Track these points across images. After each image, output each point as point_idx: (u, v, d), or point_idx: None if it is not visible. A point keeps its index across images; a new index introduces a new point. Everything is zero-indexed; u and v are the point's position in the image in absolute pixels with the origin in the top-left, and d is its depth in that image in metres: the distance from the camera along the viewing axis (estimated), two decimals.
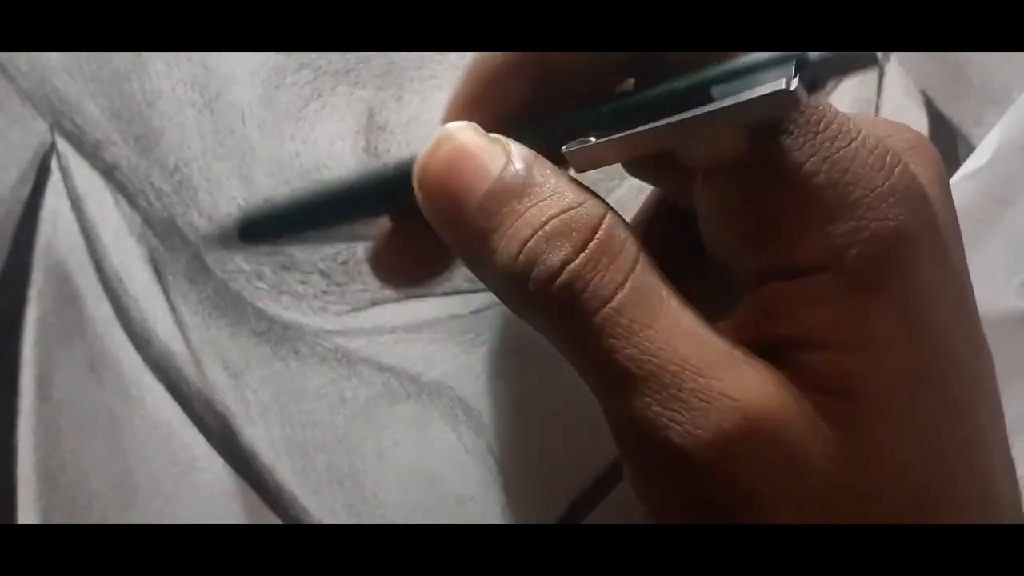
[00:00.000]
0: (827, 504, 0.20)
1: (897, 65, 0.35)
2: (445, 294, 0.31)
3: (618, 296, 0.20)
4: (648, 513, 0.22)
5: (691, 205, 0.23)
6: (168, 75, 0.32)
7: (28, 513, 0.29)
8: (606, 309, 0.20)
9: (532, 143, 0.22)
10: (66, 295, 0.31)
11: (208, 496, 0.30)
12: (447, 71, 0.32)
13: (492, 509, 0.30)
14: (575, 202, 0.21)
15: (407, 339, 0.31)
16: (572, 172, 0.23)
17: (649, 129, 0.20)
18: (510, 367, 0.31)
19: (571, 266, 0.20)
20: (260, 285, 0.31)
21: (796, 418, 0.20)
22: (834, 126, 0.20)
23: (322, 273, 0.31)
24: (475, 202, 0.22)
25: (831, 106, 0.21)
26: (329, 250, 0.31)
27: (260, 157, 0.31)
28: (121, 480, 0.30)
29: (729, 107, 0.19)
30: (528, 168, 0.22)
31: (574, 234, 0.21)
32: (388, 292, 0.31)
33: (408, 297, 0.31)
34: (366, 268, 0.31)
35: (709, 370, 0.20)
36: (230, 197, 0.31)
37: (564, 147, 0.22)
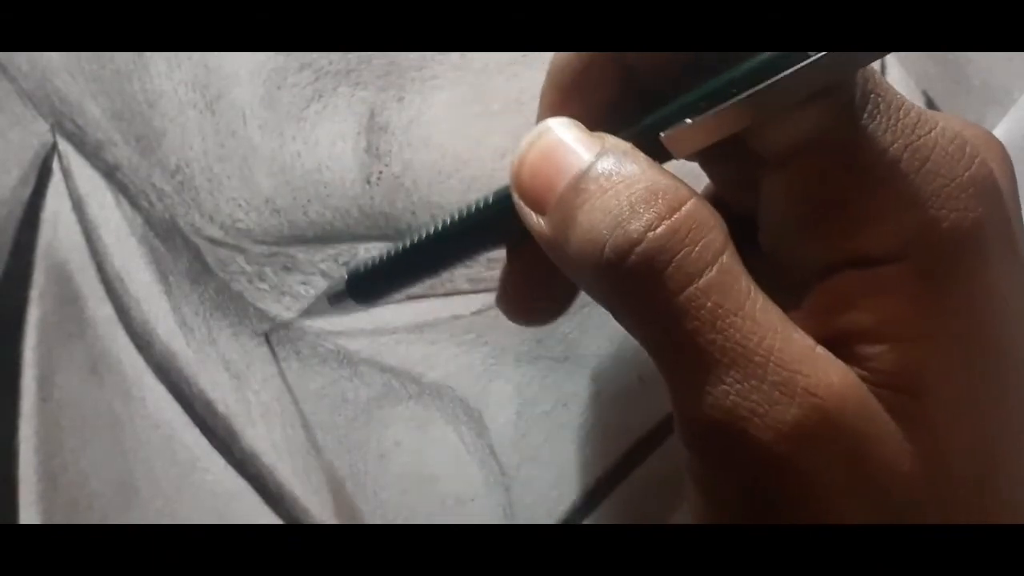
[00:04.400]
0: (890, 503, 0.20)
1: (897, 65, 0.35)
2: (446, 295, 0.31)
3: (705, 277, 0.20)
4: (705, 504, 0.21)
5: (743, 205, 0.23)
6: (169, 75, 0.32)
7: (29, 513, 0.29)
8: (691, 289, 0.19)
9: (630, 137, 0.22)
10: (67, 296, 0.31)
11: (209, 497, 0.30)
12: (448, 71, 0.32)
13: (493, 510, 0.30)
14: (664, 180, 0.21)
15: (408, 340, 0.31)
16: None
17: (749, 96, 0.20)
18: (510, 367, 0.31)
19: (653, 234, 0.20)
20: (262, 286, 0.31)
21: (871, 417, 0.19)
22: (913, 113, 0.20)
23: (323, 274, 0.31)
24: (565, 183, 0.21)
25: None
26: (330, 251, 0.31)
27: (261, 158, 0.31)
28: (122, 480, 0.30)
29: (827, 56, 0.19)
30: (622, 154, 0.21)
31: (659, 202, 0.20)
32: None
33: (409, 298, 0.31)
34: None
35: (794, 364, 0.19)
36: (231, 198, 0.31)
37: (662, 133, 0.22)
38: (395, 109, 0.32)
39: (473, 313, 0.31)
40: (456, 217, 0.25)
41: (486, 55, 0.32)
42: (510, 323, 0.31)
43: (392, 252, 0.26)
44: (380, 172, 0.32)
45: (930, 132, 0.20)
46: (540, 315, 0.27)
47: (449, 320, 0.31)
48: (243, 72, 0.32)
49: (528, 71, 0.32)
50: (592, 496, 0.31)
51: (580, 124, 0.22)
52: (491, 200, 0.24)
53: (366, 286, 0.27)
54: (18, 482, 0.29)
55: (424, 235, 0.25)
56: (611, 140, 0.22)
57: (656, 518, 0.30)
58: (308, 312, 0.30)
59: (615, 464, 0.31)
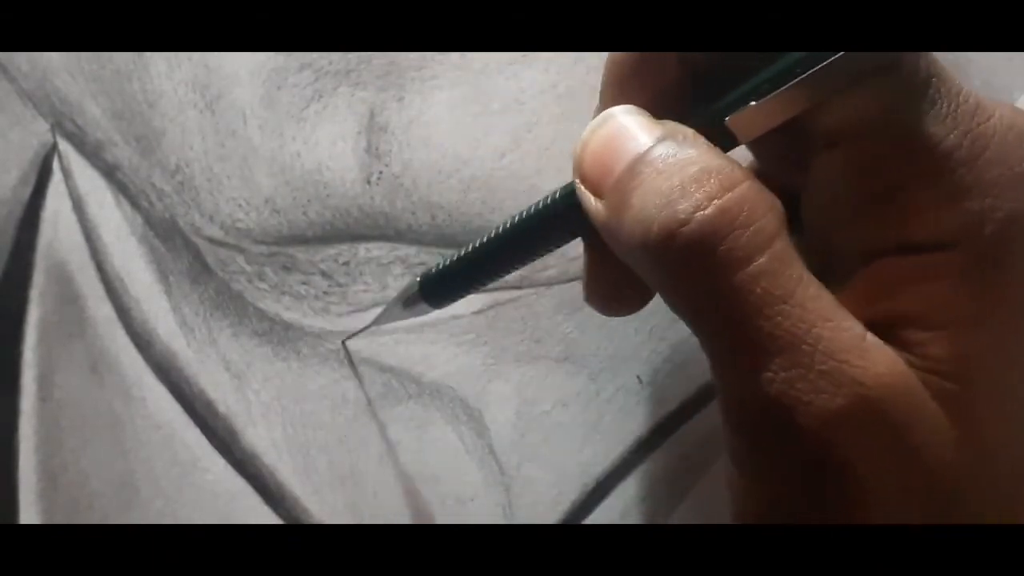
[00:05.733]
0: (937, 492, 0.20)
1: None
2: None
3: (756, 263, 0.19)
4: (747, 488, 0.21)
5: (788, 183, 0.23)
6: (169, 75, 0.32)
7: (29, 513, 0.29)
8: (741, 274, 0.19)
9: (693, 124, 0.22)
10: (67, 296, 0.31)
11: (209, 497, 0.30)
12: (448, 71, 0.32)
13: (493, 509, 0.30)
14: (719, 162, 0.20)
15: (408, 340, 0.31)
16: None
17: (812, 74, 0.20)
18: (510, 367, 0.31)
19: (702, 214, 0.20)
20: (261, 286, 0.31)
21: (918, 407, 0.19)
22: (972, 100, 0.20)
23: (323, 274, 0.31)
24: (623, 166, 0.21)
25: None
26: (330, 251, 0.31)
27: (261, 158, 0.31)
28: (122, 480, 0.30)
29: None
30: (683, 139, 0.21)
31: (711, 182, 0.20)
32: (388, 292, 0.31)
33: None
34: (367, 268, 0.31)
35: (841, 353, 0.19)
36: (231, 198, 0.31)
37: (727, 117, 0.21)
38: (395, 109, 0.32)
39: (473, 313, 0.31)
40: (529, 212, 0.25)
41: (486, 55, 0.32)
42: (509, 323, 0.31)
43: (465, 252, 0.26)
44: (380, 172, 0.32)
45: (989, 120, 0.20)
46: (626, 304, 0.27)
47: (448, 320, 0.31)
48: (243, 72, 0.32)
49: (528, 71, 0.32)
50: (591, 496, 0.31)
51: (643, 111, 0.22)
52: (560, 194, 0.24)
53: (439, 288, 0.27)
54: (18, 482, 0.29)
55: (496, 232, 0.25)
56: (671, 125, 0.22)
57: (656, 518, 0.30)
58: (381, 318, 0.30)
59: (614, 464, 0.31)
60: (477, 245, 0.26)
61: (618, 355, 0.31)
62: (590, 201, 0.22)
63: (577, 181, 0.23)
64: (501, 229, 0.25)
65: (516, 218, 0.25)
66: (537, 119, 0.32)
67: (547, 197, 0.25)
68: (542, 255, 0.26)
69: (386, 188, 0.32)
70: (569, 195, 0.24)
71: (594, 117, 0.24)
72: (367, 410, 0.31)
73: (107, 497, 0.30)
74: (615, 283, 0.26)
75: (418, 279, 0.27)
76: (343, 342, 0.31)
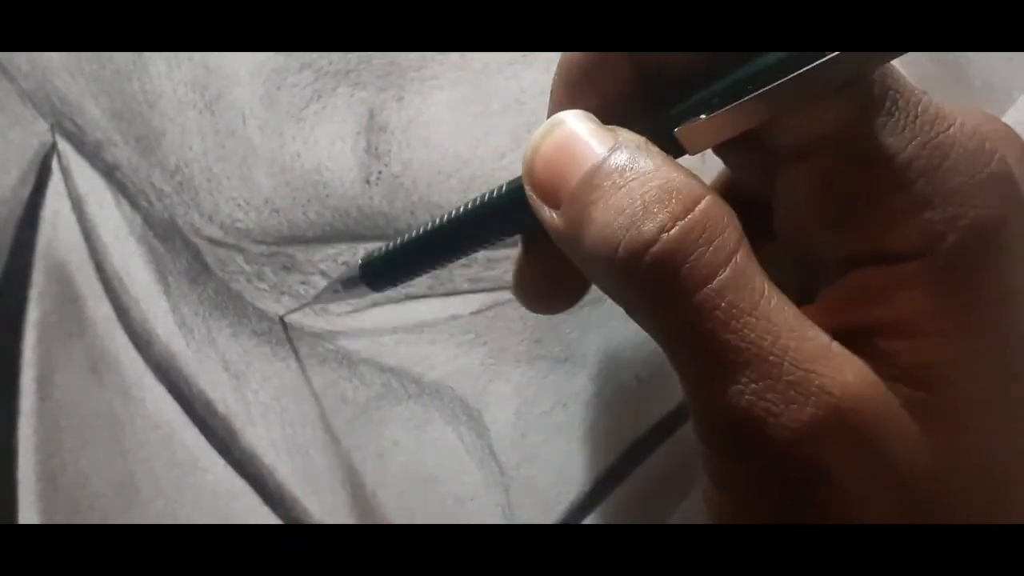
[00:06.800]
0: (909, 499, 0.20)
1: (897, 65, 0.34)
2: (446, 295, 0.31)
3: (719, 277, 0.20)
4: (721, 500, 0.21)
5: (760, 191, 0.23)
6: (169, 76, 0.32)
7: (29, 513, 0.29)
8: (706, 290, 0.19)
9: (644, 132, 0.22)
10: (67, 295, 0.31)
11: (209, 497, 0.30)
12: (448, 71, 0.32)
13: (492, 509, 0.30)
14: (678, 178, 0.20)
15: (408, 340, 0.31)
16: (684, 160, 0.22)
17: (763, 93, 0.20)
18: (510, 367, 0.31)
19: (667, 235, 0.20)
20: (261, 286, 0.31)
21: (888, 414, 0.20)
22: (931, 110, 0.20)
23: (323, 274, 0.31)
24: (579, 178, 0.21)
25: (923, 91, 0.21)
26: (330, 251, 0.31)
27: (261, 158, 0.32)
28: (122, 481, 0.30)
29: (842, 55, 0.19)
30: (636, 148, 0.21)
31: (673, 202, 0.20)
32: (389, 293, 0.31)
33: (408, 298, 0.31)
34: None
35: (808, 363, 0.19)
36: (231, 198, 0.31)
37: (676, 128, 0.21)
38: (395, 109, 0.32)
39: (472, 313, 0.31)
40: (471, 205, 0.25)
41: (486, 55, 0.32)
42: (509, 323, 0.31)
43: (406, 238, 0.26)
44: (379, 172, 0.32)
45: (948, 129, 0.20)
46: (556, 303, 0.27)
47: (448, 320, 0.31)
48: (243, 72, 0.32)
49: (528, 71, 0.32)
50: (591, 496, 0.31)
51: (594, 117, 0.22)
52: (505, 190, 0.24)
53: (379, 271, 0.27)
54: (17, 482, 0.29)
55: (439, 222, 0.25)
56: (625, 134, 0.22)
57: (655, 518, 0.30)
58: (319, 297, 0.30)
59: (614, 464, 0.31)
60: (417, 233, 0.26)
61: (618, 355, 0.31)
62: (544, 210, 0.22)
63: (528, 188, 0.23)
64: (442, 219, 0.25)
65: (458, 210, 0.25)
66: (537, 119, 0.31)
67: (491, 191, 0.24)
68: (482, 248, 0.26)
69: (386, 188, 0.32)
70: (514, 191, 0.23)
71: (548, 111, 0.24)
72: (366, 410, 0.31)
73: (107, 497, 0.30)
74: (548, 282, 0.26)
75: (359, 261, 0.27)
76: (281, 318, 0.31)
